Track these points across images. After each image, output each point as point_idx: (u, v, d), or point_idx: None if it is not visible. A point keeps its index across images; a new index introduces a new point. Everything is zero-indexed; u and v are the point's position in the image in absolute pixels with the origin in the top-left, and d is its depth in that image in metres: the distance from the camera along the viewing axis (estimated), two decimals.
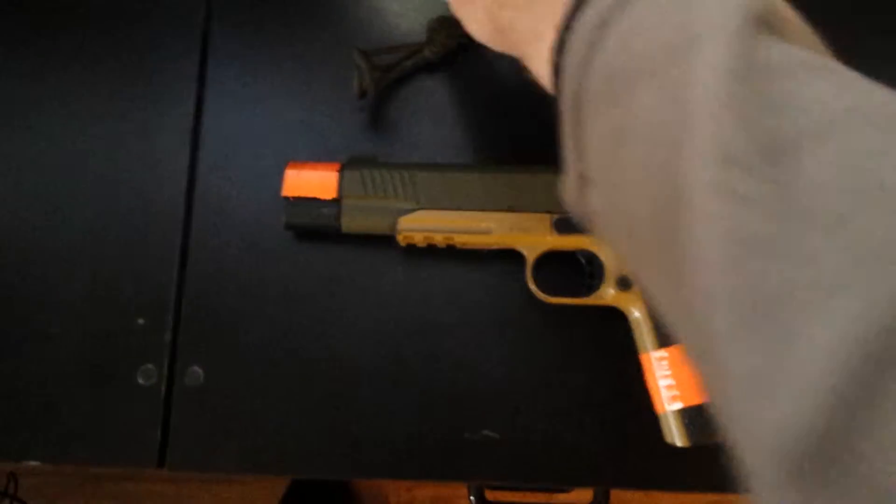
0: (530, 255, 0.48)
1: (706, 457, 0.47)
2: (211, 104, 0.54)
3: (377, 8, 0.56)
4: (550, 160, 0.49)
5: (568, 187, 0.31)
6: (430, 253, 0.50)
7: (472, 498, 0.67)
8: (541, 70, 0.33)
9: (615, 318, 0.48)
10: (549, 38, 0.31)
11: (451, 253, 0.50)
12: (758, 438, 0.19)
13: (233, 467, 0.49)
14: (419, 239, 0.49)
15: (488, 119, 0.53)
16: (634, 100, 0.25)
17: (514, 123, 0.53)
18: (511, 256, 0.49)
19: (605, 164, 0.27)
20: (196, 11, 0.55)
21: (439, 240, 0.48)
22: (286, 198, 0.49)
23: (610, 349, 0.49)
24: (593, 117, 0.27)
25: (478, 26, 0.40)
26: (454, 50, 0.53)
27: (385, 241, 0.50)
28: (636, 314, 0.47)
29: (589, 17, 0.28)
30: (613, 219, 0.28)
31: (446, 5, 0.44)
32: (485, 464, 0.49)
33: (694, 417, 0.44)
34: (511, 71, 0.54)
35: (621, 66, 0.25)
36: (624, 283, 0.47)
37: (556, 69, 0.30)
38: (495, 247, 0.49)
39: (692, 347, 0.24)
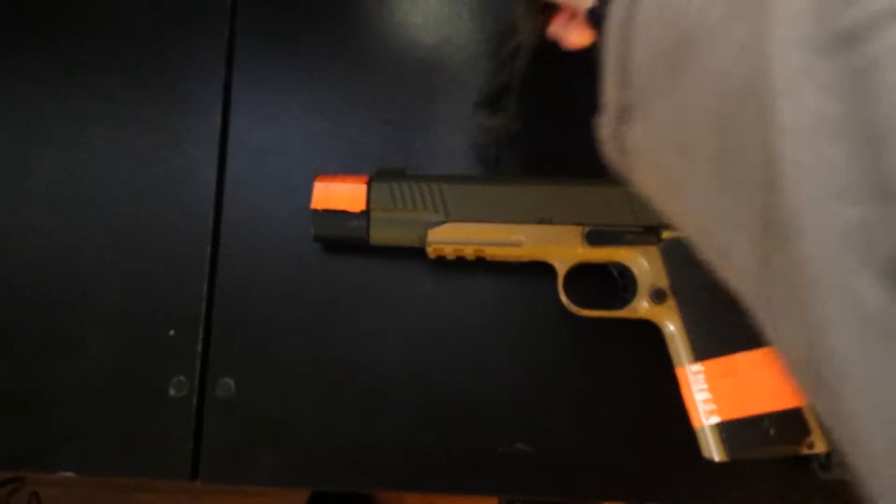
0: (561, 268, 0.48)
1: (744, 472, 0.46)
2: (238, 117, 0.54)
3: (400, 21, 0.55)
4: (581, 172, 0.49)
5: (605, 124, 0.31)
6: (460, 265, 0.50)
7: None
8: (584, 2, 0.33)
9: (649, 332, 0.48)
10: None
11: (481, 265, 0.50)
12: None
13: (265, 480, 0.49)
14: (449, 251, 0.48)
15: (520, 131, 0.53)
16: (699, 10, 0.24)
17: (543, 136, 0.52)
18: (542, 269, 0.49)
19: (658, 83, 0.27)
20: (222, 24, 0.55)
21: (469, 252, 0.48)
22: (315, 210, 0.48)
23: (644, 363, 0.49)
24: (645, 38, 0.27)
25: None
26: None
27: (414, 253, 0.49)
28: (671, 328, 0.46)
29: None
30: (660, 146, 0.27)
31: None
32: (517, 478, 0.48)
33: (732, 432, 0.44)
34: (539, 82, 0.53)
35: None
36: (658, 296, 0.46)
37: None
38: (526, 259, 0.48)
39: (773, 247, 0.22)
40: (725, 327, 0.45)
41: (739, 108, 0.22)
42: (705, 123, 0.24)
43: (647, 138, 0.28)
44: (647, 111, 0.28)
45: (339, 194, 0.49)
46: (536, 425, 0.49)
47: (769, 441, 0.43)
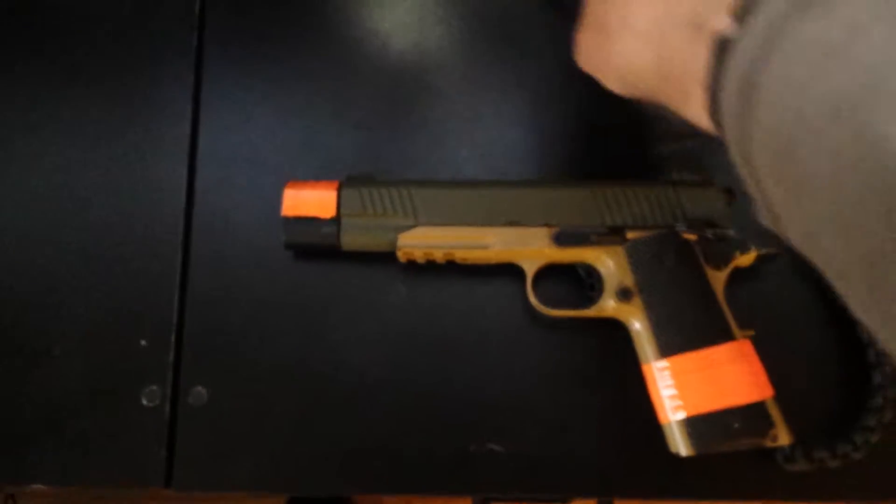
0: (530, 269, 0.49)
1: (710, 465, 0.47)
2: (207, 125, 0.54)
3: (370, 28, 0.56)
4: (548, 173, 0.50)
5: (761, 216, 0.30)
6: (431, 268, 0.51)
7: None
8: (698, 119, 0.32)
9: (616, 330, 0.49)
10: (698, 95, 0.30)
11: (452, 268, 0.50)
12: None
13: (240, 485, 0.49)
14: (419, 255, 0.49)
15: (488, 136, 0.54)
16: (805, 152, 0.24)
17: (513, 139, 0.53)
18: (512, 270, 0.50)
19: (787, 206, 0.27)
20: (190, 33, 0.56)
21: (439, 256, 0.49)
22: (285, 217, 0.49)
23: (612, 360, 0.50)
24: (764, 165, 0.27)
25: (614, 88, 0.40)
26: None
27: (386, 257, 0.50)
28: (637, 325, 0.47)
29: (733, 74, 0.27)
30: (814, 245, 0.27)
31: None
32: (490, 477, 0.49)
33: (698, 426, 0.44)
34: (510, 87, 0.54)
35: (786, 123, 0.25)
36: (624, 295, 0.47)
37: (716, 124, 0.30)
38: (495, 261, 0.49)
39: None
40: (689, 324, 0.46)
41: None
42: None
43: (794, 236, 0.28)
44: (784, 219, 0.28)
45: (310, 201, 0.49)
46: (508, 425, 0.49)
47: (734, 434, 0.44)
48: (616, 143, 0.53)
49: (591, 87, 0.41)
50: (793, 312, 0.50)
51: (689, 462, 0.46)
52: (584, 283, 0.50)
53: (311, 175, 0.52)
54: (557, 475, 0.49)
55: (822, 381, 0.49)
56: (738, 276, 0.49)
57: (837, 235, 0.24)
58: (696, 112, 0.32)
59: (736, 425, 0.44)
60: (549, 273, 0.50)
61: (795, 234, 0.28)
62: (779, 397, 0.45)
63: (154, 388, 0.50)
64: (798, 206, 0.26)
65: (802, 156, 0.24)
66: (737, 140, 0.28)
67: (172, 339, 0.51)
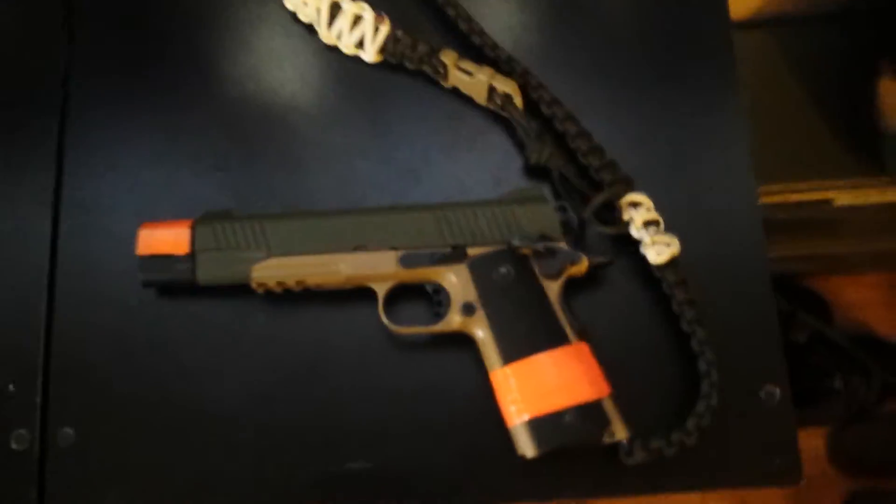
0: (380, 290, 0.51)
1: (560, 467, 0.50)
2: (70, 173, 0.56)
3: (228, 74, 0.59)
4: (399, 200, 0.53)
5: None
6: (289, 297, 0.53)
7: None
8: None
9: (467, 344, 0.51)
10: None
11: (309, 295, 0.53)
12: None
13: None
14: (273, 285, 0.51)
15: (343, 169, 0.57)
16: None
17: (366, 170, 0.56)
18: (366, 293, 0.52)
19: None
20: (55, 82, 0.58)
21: (292, 284, 0.51)
22: (141, 256, 0.51)
23: (464, 373, 0.52)
24: None
25: None
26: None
27: (244, 289, 0.52)
28: (480, 334, 0.50)
29: None
30: None
31: None
32: (360, 491, 0.51)
33: (539, 427, 0.47)
34: (362, 122, 0.58)
35: None
36: (468, 309, 0.50)
37: None
38: (348, 286, 0.52)
39: None
40: (527, 331, 0.49)
41: None
42: None
43: None
44: None
45: (164, 239, 0.51)
46: (375, 440, 0.51)
47: (573, 433, 0.47)
48: (459, 168, 0.56)
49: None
50: (630, 316, 0.53)
51: (538, 465, 0.49)
52: (433, 300, 0.52)
53: (173, 216, 0.54)
54: (422, 484, 0.51)
55: (659, 377, 0.52)
56: (579, 284, 0.52)
57: None
58: None
59: (575, 423, 0.47)
60: (401, 294, 0.52)
61: None
62: (620, 395, 0.48)
63: (22, 431, 0.51)
64: None
65: None
66: None
67: (39, 382, 0.52)
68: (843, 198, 1.04)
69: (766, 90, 1.01)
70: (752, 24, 1.03)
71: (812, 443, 1.38)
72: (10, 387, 0.52)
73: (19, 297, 0.54)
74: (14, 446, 0.51)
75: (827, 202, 1.05)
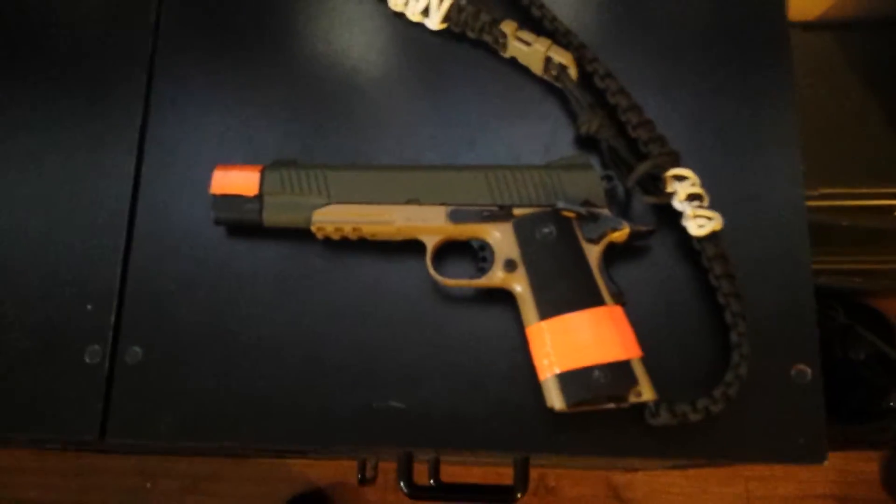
0: (429, 244, 0.54)
1: (587, 422, 0.52)
2: (156, 117, 0.61)
3: (308, 25, 0.63)
4: (451, 160, 0.56)
5: None
6: (346, 245, 0.56)
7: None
8: None
9: (505, 299, 0.54)
10: None
11: (364, 245, 0.56)
12: None
13: (167, 436, 0.55)
14: (331, 230, 0.55)
15: (403, 129, 0.60)
16: None
17: (424, 132, 0.60)
18: (416, 248, 0.55)
19: None
20: (145, 38, 0.63)
21: (349, 231, 0.55)
22: (214, 195, 0.55)
23: (504, 326, 0.55)
24: None
25: None
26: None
27: (305, 235, 0.56)
28: (520, 290, 0.52)
29: None
30: None
31: None
32: (393, 431, 0.54)
33: (568, 381, 0.49)
34: (423, 89, 0.61)
35: None
36: (510, 266, 0.53)
37: None
38: (399, 237, 0.55)
39: None
40: (565, 290, 0.51)
41: None
42: None
43: None
44: None
45: (236, 181, 0.55)
46: (410, 384, 0.54)
47: (601, 388, 0.49)
48: (512, 134, 0.59)
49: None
50: (669, 287, 0.55)
51: (566, 419, 0.51)
52: (478, 256, 0.55)
53: (246, 162, 0.58)
54: (451, 431, 0.53)
55: (692, 348, 0.54)
56: (620, 252, 0.55)
57: None
58: None
59: (603, 380, 0.49)
60: (448, 250, 0.55)
61: None
62: (651, 362, 0.50)
63: (96, 346, 0.56)
64: None
65: None
66: None
67: (114, 304, 0.57)
68: None
69: (831, 92, 1.00)
70: (821, 25, 1.03)
71: (868, 467, 1.36)
72: (89, 306, 0.57)
73: (102, 227, 0.59)
74: (87, 360, 0.56)
75: (890, 210, 1.03)
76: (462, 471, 1.26)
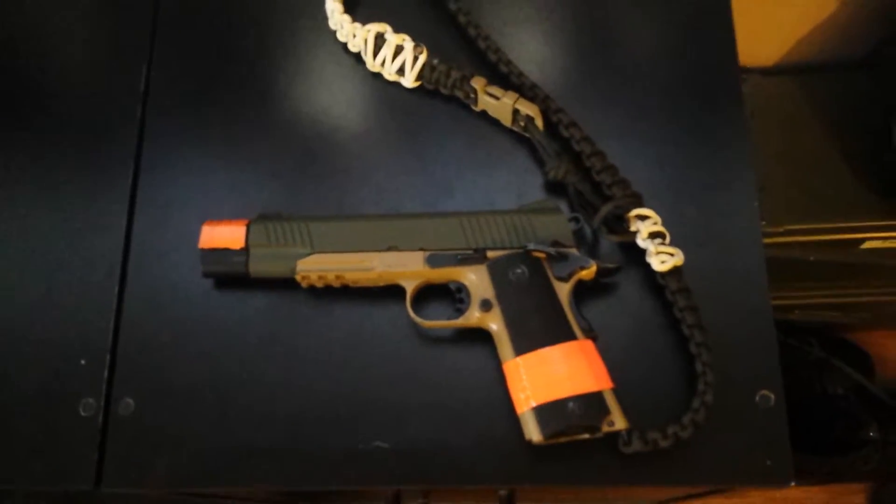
0: (409, 287, 0.57)
1: (563, 453, 0.54)
2: (146, 175, 0.65)
3: (291, 86, 0.67)
4: (429, 209, 0.59)
5: None
6: (330, 293, 0.59)
7: None
8: None
9: (485, 337, 0.57)
10: None
11: (346, 291, 0.59)
12: None
13: (162, 483, 0.56)
14: (315, 279, 0.58)
15: (384, 180, 0.64)
16: None
17: (404, 181, 0.63)
18: (396, 293, 0.58)
19: None
20: (135, 99, 0.67)
21: (332, 278, 0.57)
22: (202, 249, 0.58)
23: (481, 363, 0.57)
24: None
25: None
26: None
27: (291, 284, 0.58)
28: (495, 328, 0.55)
29: None
30: None
31: None
32: (379, 470, 0.56)
33: (545, 413, 0.52)
34: (401, 140, 0.65)
35: None
36: (486, 305, 0.55)
37: None
38: (380, 283, 0.58)
39: None
40: (538, 326, 0.54)
41: None
42: None
43: None
44: None
45: (223, 235, 0.58)
46: (395, 423, 0.57)
47: (576, 419, 0.51)
48: (487, 182, 0.63)
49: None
50: (636, 321, 0.58)
51: (544, 451, 0.53)
52: (455, 297, 0.58)
53: (232, 216, 0.61)
54: (429, 467, 0.56)
55: (660, 379, 0.57)
56: (589, 289, 0.58)
57: None
58: None
59: (577, 411, 0.52)
60: (427, 293, 0.58)
61: None
62: (622, 393, 0.53)
63: (90, 400, 0.58)
64: None
65: None
66: None
67: (107, 358, 0.59)
68: (871, 241, 1.07)
69: (792, 133, 1.05)
70: (780, 70, 1.08)
71: (854, 500, 1.37)
72: (82, 361, 0.59)
73: (95, 283, 0.61)
74: (82, 413, 0.58)
75: (854, 244, 1.07)
76: None
